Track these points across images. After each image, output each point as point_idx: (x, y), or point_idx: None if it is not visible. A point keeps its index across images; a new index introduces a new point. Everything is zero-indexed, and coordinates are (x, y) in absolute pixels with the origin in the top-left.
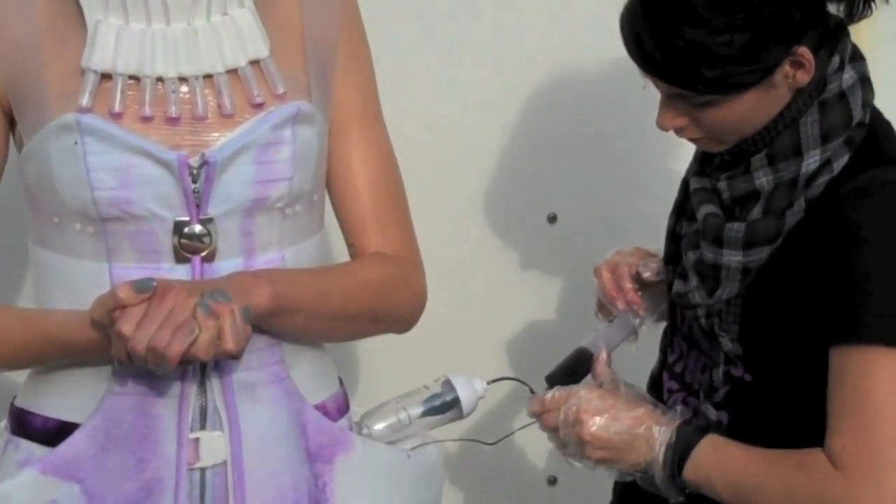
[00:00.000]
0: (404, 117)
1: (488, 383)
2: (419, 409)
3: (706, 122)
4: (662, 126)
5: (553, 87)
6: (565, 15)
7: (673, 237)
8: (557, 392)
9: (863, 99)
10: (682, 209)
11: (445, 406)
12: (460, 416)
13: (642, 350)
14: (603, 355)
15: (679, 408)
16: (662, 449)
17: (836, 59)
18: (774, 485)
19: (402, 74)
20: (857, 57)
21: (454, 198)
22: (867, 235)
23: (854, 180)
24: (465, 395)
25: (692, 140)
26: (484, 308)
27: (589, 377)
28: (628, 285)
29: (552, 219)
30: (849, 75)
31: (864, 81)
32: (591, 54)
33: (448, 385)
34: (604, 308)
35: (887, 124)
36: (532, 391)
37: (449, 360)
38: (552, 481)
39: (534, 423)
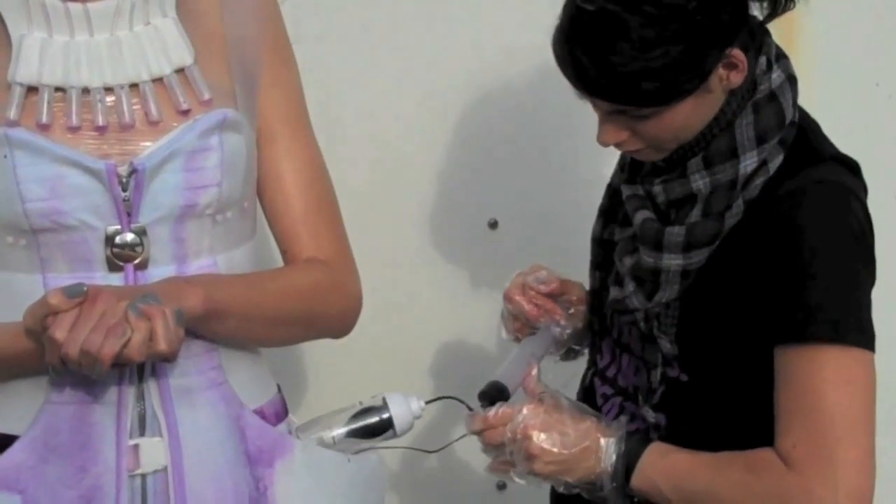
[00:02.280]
0: (343, 123)
1: (426, 403)
2: (349, 428)
3: (647, 133)
4: (604, 143)
5: (492, 92)
6: (504, 20)
7: (601, 243)
8: (501, 409)
9: (792, 97)
10: (609, 215)
11: (379, 425)
12: (394, 436)
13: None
14: (534, 371)
15: (624, 418)
16: (612, 460)
17: (763, 60)
18: (725, 487)
19: (341, 80)
20: (781, 56)
21: (394, 203)
22: (807, 235)
23: (791, 181)
24: (399, 414)
25: (632, 152)
26: (424, 314)
27: (522, 392)
28: (543, 300)
29: (493, 224)
30: (777, 75)
31: (792, 80)
32: (530, 59)
33: (383, 404)
34: (521, 328)
35: (814, 122)
36: (470, 409)
37: (388, 368)
38: (501, 486)
39: None
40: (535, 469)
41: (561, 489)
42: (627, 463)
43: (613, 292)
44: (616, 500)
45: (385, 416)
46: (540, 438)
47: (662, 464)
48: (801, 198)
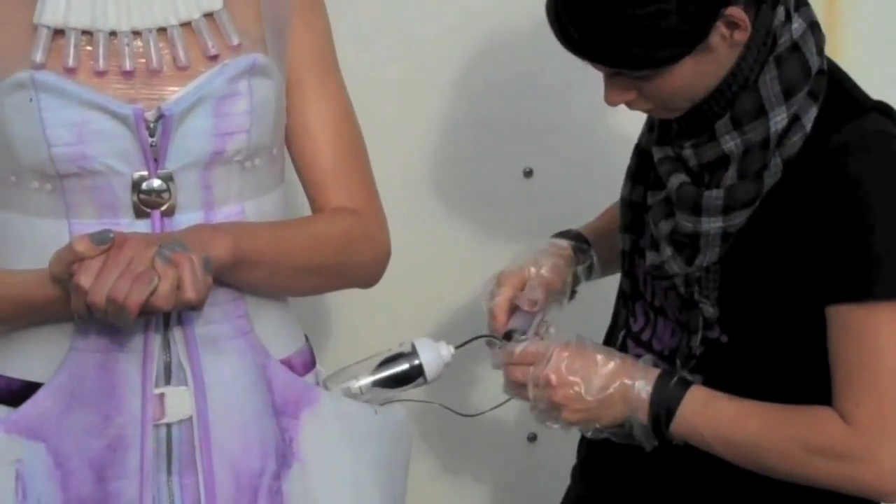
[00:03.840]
0: (376, 71)
1: (455, 348)
2: (377, 377)
3: (651, 93)
4: (611, 103)
5: (527, 38)
6: None
7: (630, 206)
8: (531, 346)
9: (816, 45)
10: (638, 177)
11: (409, 372)
12: (424, 382)
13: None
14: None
15: (650, 357)
16: (644, 405)
17: (780, 11)
18: (778, 440)
19: (370, 27)
20: (801, 4)
21: (429, 153)
22: (863, 189)
23: (837, 135)
24: (428, 361)
25: (645, 111)
26: (459, 264)
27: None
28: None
29: (528, 173)
30: (797, 24)
31: (814, 27)
32: None
33: (412, 350)
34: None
35: (843, 71)
36: (498, 339)
37: (422, 319)
38: (532, 438)
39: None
40: (562, 417)
41: (589, 434)
42: (666, 410)
43: (650, 257)
44: (646, 440)
45: (415, 362)
46: (564, 385)
47: (706, 412)
48: (852, 151)
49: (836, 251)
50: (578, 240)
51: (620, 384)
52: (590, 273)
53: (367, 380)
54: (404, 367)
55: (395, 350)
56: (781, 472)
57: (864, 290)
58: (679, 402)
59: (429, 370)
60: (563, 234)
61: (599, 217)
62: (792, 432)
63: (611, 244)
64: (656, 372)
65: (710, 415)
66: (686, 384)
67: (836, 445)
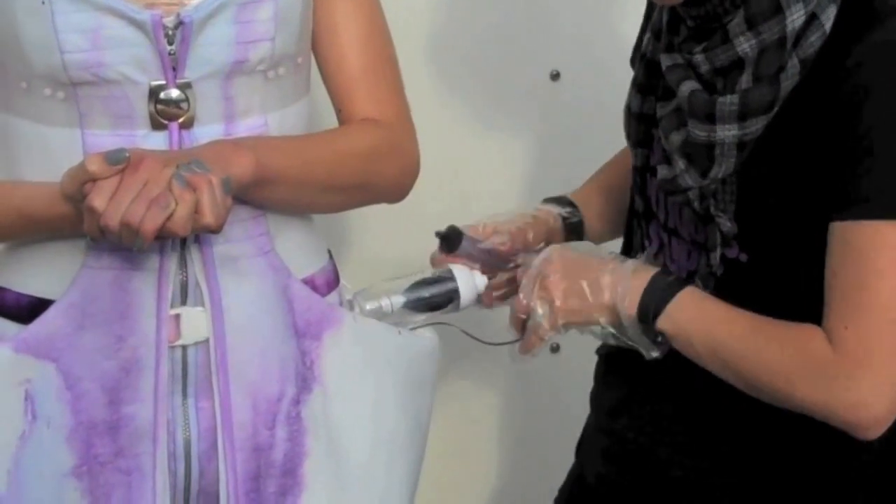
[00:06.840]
0: None
1: (489, 279)
2: (410, 297)
3: None
4: None
5: None
6: None
7: (641, 119)
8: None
9: None
10: (647, 89)
11: (443, 296)
12: (456, 310)
13: None
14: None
15: (650, 250)
16: (634, 294)
17: None
18: (761, 354)
19: None
20: None
21: (451, 54)
22: (873, 103)
23: (858, 45)
24: (464, 287)
25: None
26: (482, 168)
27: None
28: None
29: (555, 76)
30: None
31: None
32: None
33: (449, 275)
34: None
35: None
36: None
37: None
38: (555, 349)
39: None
40: (546, 287)
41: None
42: (657, 302)
43: (662, 172)
44: (641, 341)
45: (451, 286)
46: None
47: (693, 310)
48: (866, 62)
49: (837, 165)
50: (562, 203)
51: (612, 269)
52: (581, 231)
53: (400, 299)
54: (440, 290)
55: (430, 273)
56: (761, 387)
57: (862, 207)
58: (670, 299)
59: (463, 297)
60: (551, 200)
61: (597, 176)
62: (776, 347)
63: (609, 200)
64: (654, 269)
65: (698, 314)
66: (682, 284)
67: (815, 366)
